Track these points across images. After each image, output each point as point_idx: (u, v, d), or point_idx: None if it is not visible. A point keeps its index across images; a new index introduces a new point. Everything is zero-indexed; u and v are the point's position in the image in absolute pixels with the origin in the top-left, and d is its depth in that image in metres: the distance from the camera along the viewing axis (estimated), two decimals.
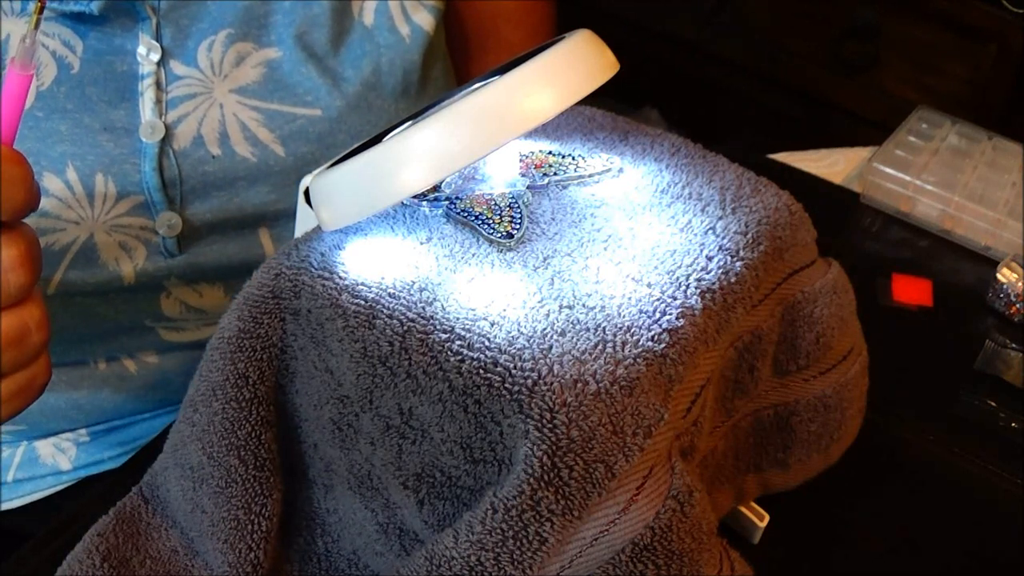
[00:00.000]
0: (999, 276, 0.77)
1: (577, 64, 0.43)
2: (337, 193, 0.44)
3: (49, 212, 0.59)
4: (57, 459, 0.71)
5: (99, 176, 0.60)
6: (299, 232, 0.52)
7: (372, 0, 0.67)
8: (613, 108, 0.58)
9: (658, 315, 0.42)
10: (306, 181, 0.50)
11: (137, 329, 0.66)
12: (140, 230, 0.62)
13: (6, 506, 0.71)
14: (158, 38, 0.61)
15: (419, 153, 0.41)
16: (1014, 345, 0.72)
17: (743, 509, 0.57)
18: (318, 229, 0.48)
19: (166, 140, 0.61)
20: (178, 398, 0.72)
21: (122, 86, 0.61)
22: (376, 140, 0.48)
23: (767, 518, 0.56)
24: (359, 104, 0.66)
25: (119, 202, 0.61)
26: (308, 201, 0.48)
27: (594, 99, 0.46)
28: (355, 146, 0.51)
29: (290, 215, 0.65)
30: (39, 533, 0.56)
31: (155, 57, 0.61)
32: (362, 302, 0.42)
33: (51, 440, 0.71)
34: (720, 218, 0.47)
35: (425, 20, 0.69)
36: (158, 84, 0.61)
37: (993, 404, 0.69)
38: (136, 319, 0.66)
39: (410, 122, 0.48)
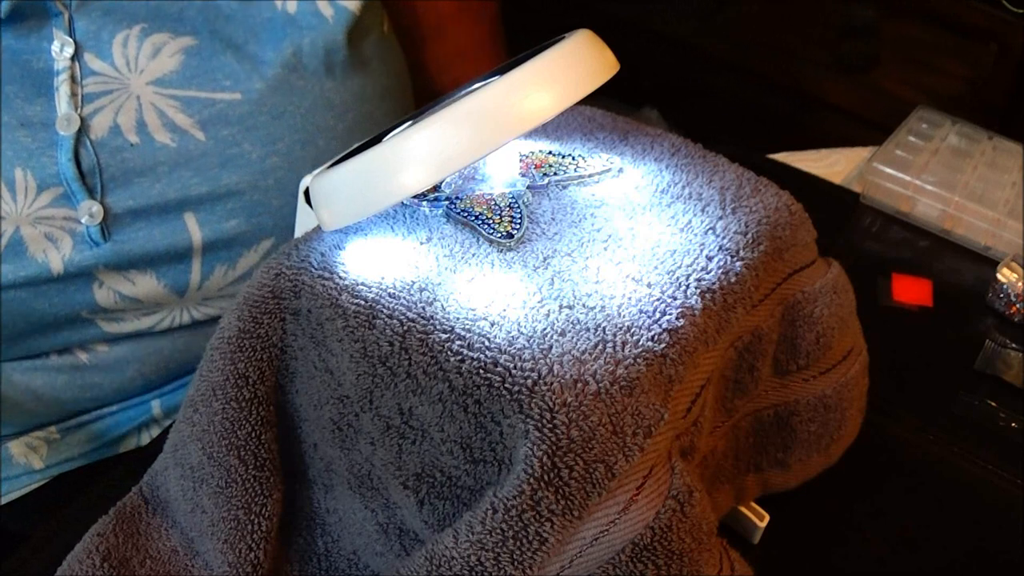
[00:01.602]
0: (999, 276, 0.77)
1: (577, 64, 0.43)
2: (337, 193, 0.44)
3: None
4: (29, 458, 0.71)
5: (18, 171, 0.61)
6: (299, 232, 0.52)
7: None
8: (613, 108, 0.58)
9: (658, 315, 0.42)
10: (306, 181, 0.50)
11: (77, 322, 0.67)
12: (64, 220, 0.63)
13: None
14: (71, 33, 0.62)
15: (419, 153, 0.41)
16: (1014, 345, 0.72)
17: (743, 509, 0.57)
18: (318, 229, 0.48)
19: (82, 131, 0.62)
20: (137, 390, 0.71)
21: (38, 82, 0.61)
22: (376, 140, 0.48)
23: (767, 518, 0.56)
24: (280, 86, 0.66)
25: (40, 194, 0.62)
26: (308, 201, 0.48)
27: (594, 99, 0.46)
28: (355, 146, 0.51)
29: (215, 198, 0.65)
30: (19, 531, 0.56)
31: (69, 52, 0.62)
32: (362, 302, 0.42)
33: (23, 439, 0.71)
34: (720, 218, 0.47)
35: (351, 2, 0.69)
36: (73, 78, 0.62)
37: (993, 404, 0.69)
38: (72, 311, 0.66)
39: (410, 122, 0.48)
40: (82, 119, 0.62)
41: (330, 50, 0.68)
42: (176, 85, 0.64)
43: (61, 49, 0.61)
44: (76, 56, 0.62)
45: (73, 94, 0.62)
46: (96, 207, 0.63)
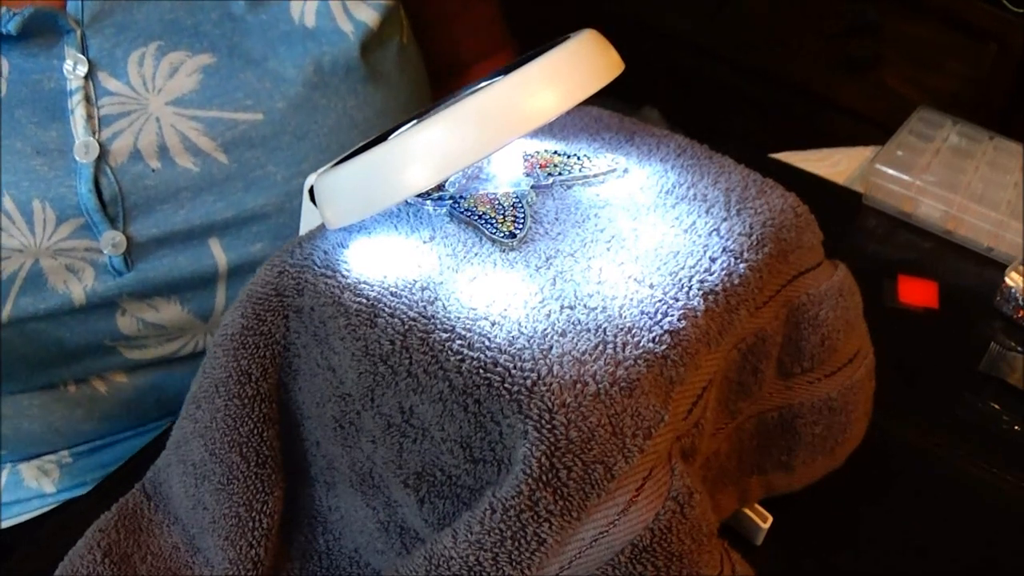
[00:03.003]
0: (1007, 280, 0.76)
1: (581, 64, 0.43)
2: (341, 191, 0.44)
3: None
4: (41, 482, 0.71)
5: (36, 203, 0.59)
6: (304, 230, 0.52)
7: (313, 1, 0.65)
8: (613, 107, 0.58)
9: (660, 316, 0.42)
10: (311, 179, 0.50)
11: (98, 350, 0.65)
12: (85, 251, 0.61)
13: None
14: (84, 50, 0.59)
15: (423, 152, 0.41)
16: (1019, 348, 0.72)
17: (746, 510, 0.56)
18: (322, 227, 0.48)
19: (101, 158, 0.59)
20: (155, 417, 0.70)
21: (51, 105, 0.59)
22: (381, 139, 0.48)
23: (770, 519, 0.56)
24: (303, 105, 0.64)
25: (60, 226, 0.60)
26: (313, 199, 0.48)
27: (594, 99, 0.46)
28: (360, 144, 0.51)
29: (240, 222, 0.63)
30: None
31: (82, 71, 0.59)
32: (364, 300, 0.42)
33: (34, 463, 0.70)
34: (725, 219, 0.47)
35: (369, 16, 0.66)
36: (88, 99, 0.60)
37: (997, 407, 0.68)
38: (94, 339, 0.65)
39: (415, 120, 0.48)
40: (101, 145, 0.59)
41: (351, 67, 0.66)
42: (196, 105, 0.62)
43: (74, 68, 0.59)
44: (90, 75, 0.60)
45: (89, 116, 0.59)
46: (119, 237, 0.61)
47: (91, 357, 0.66)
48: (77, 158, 0.59)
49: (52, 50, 0.59)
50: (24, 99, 0.59)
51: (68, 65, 0.59)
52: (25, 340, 0.62)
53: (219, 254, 0.64)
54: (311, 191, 0.49)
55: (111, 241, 0.61)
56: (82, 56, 0.59)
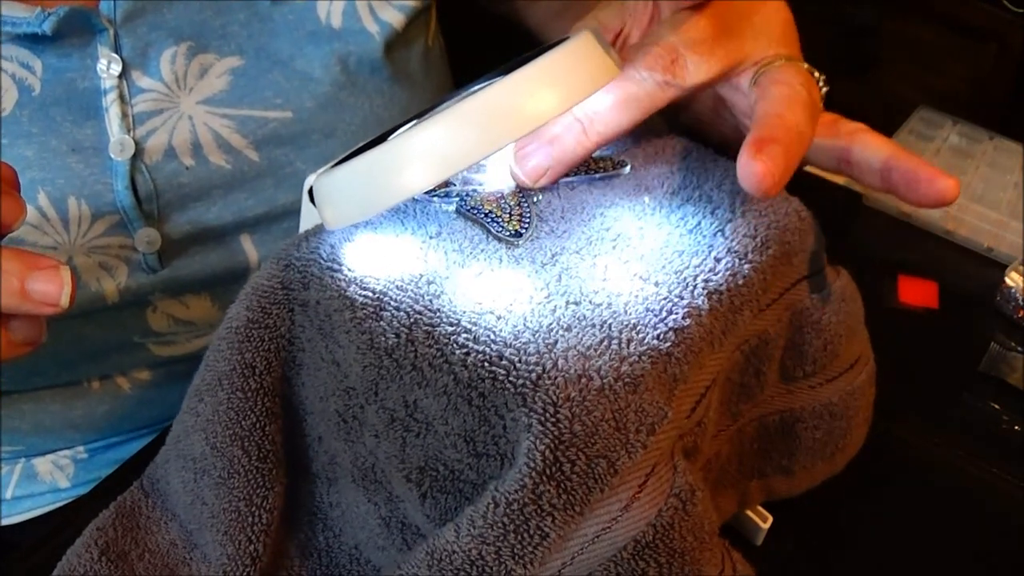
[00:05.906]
0: (1007, 280, 0.77)
1: (581, 64, 0.43)
2: (340, 193, 0.44)
3: (24, 240, 0.58)
4: (55, 476, 0.70)
5: (71, 200, 0.59)
6: (303, 230, 0.52)
7: (340, 1, 0.66)
8: None
9: (664, 314, 0.42)
10: (310, 180, 0.50)
11: (127, 346, 0.65)
12: (119, 249, 0.61)
13: (5, 522, 0.71)
14: (117, 49, 0.60)
15: (422, 153, 0.41)
16: (1019, 348, 0.72)
17: (747, 511, 0.57)
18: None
19: (137, 156, 0.60)
20: (174, 415, 0.71)
21: (86, 103, 0.59)
22: (380, 139, 0.48)
23: (771, 519, 0.56)
24: (330, 103, 0.65)
25: (95, 224, 0.60)
26: (312, 200, 0.48)
27: None
28: (359, 145, 0.51)
29: (271, 219, 0.64)
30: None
31: (116, 70, 0.59)
32: (370, 294, 0.42)
33: (49, 457, 0.70)
34: (729, 221, 0.47)
35: (394, 17, 0.67)
36: (122, 98, 0.60)
37: (997, 407, 0.69)
38: (124, 336, 0.65)
39: (414, 121, 0.48)
40: (136, 142, 0.60)
41: (375, 67, 0.66)
42: (227, 104, 0.62)
43: (108, 67, 0.59)
44: (123, 74, 0.60)
45: (124, 115, 0.60)
46: (154, 235, 0.61)
47: (120, 354, 0.66)
48: (113, 156, 0.59)
49: (86, 49, 0.59)
50: (58, 98, 0.59)
51: (102, 64, 0.59)
52: (55, 336, 0.62)
53: (250, 250, 0.65)
54: (311, 191, 0.49)
55: (146, 239, 0.61)
56: (116, 55, 0.60)
